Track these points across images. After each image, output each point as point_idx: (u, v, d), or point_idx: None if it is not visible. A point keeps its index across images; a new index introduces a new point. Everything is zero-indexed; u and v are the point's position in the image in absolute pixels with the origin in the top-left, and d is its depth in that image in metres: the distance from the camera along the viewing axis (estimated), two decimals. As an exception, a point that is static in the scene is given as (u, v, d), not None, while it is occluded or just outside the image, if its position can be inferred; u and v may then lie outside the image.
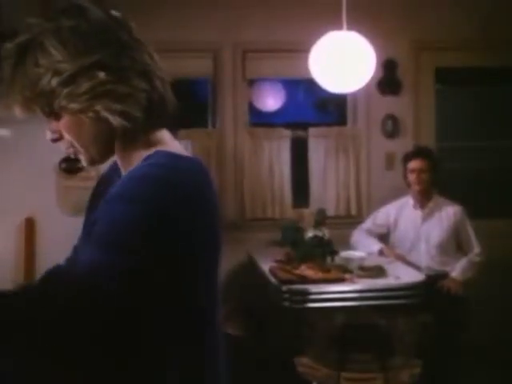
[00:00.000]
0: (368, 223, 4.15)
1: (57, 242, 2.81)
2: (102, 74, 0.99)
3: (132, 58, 1.04)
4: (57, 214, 2.86)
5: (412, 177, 3.91)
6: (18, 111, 1.05)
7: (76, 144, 1.07)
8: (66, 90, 1.00)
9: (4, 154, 2.83)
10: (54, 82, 1.00)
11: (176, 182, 0.98)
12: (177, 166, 1.02)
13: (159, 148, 1.08)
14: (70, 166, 2.89)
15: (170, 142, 1.12)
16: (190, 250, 0.99)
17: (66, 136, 1.07)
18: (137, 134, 1.07)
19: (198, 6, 4.47)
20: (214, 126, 4.77)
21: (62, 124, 1.05)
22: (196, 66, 4.58)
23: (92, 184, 2.85)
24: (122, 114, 1.01)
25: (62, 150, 1.12)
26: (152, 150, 1.07)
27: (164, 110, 1.09)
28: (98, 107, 1.00)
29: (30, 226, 2.83)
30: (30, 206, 2.85)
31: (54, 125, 1.07)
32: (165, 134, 1.13)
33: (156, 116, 1.07)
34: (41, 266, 2.84)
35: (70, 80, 0.99)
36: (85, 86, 0.99)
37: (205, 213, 1.03)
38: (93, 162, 1.11)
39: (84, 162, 1.11)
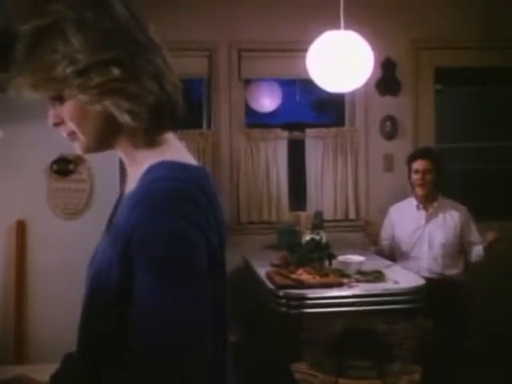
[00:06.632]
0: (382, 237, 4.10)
1: (48, 244, 2.80)
2: (116, 71, 1.01)
3: (147, 59, 1.05)
4: (48, 216, 2.83)
5: (415, 177, 3.88)
6: (26, 92, 1.05)
7: (77, 130, 1.08)
8: (78, 81, 1.01)
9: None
10: (69, 70, 1.01)
11: (192, 196, 1.02)
12: (187, 177, 1.04)
13: (164, 148, 1.10)
14: (61, 168, 2.84)
15: (174, 143, 1.14)
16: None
17: (67, 122, 1.08)
18: (142, 134, 1.09)
19: (192, 5, 4.43)
20: (208, 126, 4.72)
21: (66, 109, 1.06)
22: (191, 66, 4.50)
23: (84, 186, 2.83)
24: (129, 113, 1.03)
25: (63, 136, 1.12)
26: (156, 152, 1.09)
27: (172, 113, 1.10)
28: (107, 102, 1.03)
29: (21, 228, 2.79)
30: (20, 208, 2.82)
31: (58, 109, 1.08)
32: (169, 135, 1.14)
33: (163, 118, 1.08)
34: (32, 268, 2.81)
35: (85, 71, 1.01)
36: (97, 79, 1.01)
37: (213, 228, 1.07)
38: (88, 151, 1.12)
39: (79, 150, 1.13)
